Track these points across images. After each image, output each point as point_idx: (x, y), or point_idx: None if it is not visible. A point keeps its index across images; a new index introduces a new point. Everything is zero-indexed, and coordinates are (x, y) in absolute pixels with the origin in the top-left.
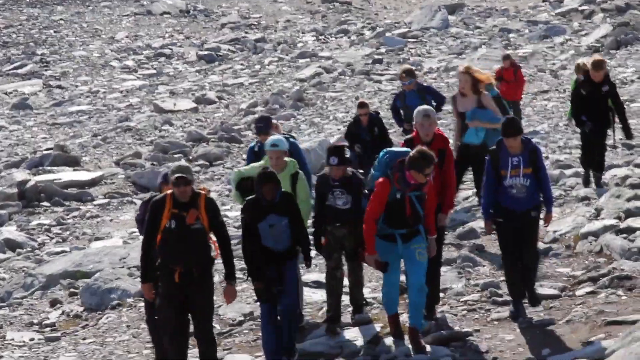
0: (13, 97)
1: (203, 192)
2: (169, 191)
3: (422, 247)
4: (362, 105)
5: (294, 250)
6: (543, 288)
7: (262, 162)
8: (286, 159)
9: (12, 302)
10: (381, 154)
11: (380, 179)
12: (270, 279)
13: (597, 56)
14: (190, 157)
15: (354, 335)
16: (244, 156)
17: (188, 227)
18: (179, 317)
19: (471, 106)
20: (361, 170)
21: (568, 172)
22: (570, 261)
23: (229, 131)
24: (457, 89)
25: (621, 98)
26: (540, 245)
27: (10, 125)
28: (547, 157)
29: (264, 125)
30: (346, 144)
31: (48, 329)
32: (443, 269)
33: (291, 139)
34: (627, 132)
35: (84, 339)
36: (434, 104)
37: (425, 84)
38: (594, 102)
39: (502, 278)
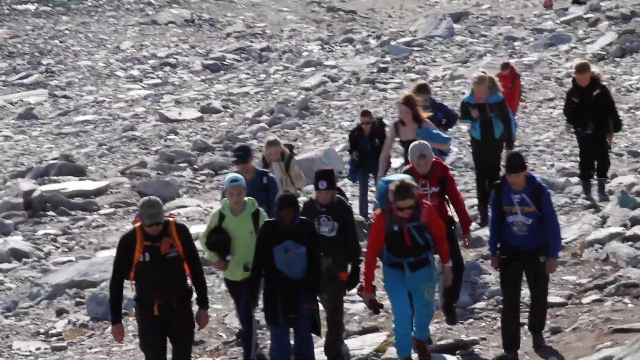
0: (18, 107)
1: (172, 218)
2: (137, 224)
3: (431, 286)
4: (364, 113)
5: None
6: (549, 296)
7: (219, 206)
8: (245, 198)
9: (18, 312)
10: (381, 183)
11: (377, 212)
12: (283, 304)
13: (581, 59)
14: (196, 166)
15: (360, 344)
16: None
17: (163, 257)
18: (161, 353)
19: (412, 135)
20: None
21: (574, 179)
22: (576, 269)
23: (234, 140)
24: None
25: (626, 105)
26: None
27: (15, 135)
28: (552, 165)
29: (243, 154)
30: (332, 168)
31: (54, 338)
32: None
33: (270, 175)
34: (617, 125)
35: (90, 348)
36: (444, 122)
37: (438, 101)
38: (587, 109)
39: None
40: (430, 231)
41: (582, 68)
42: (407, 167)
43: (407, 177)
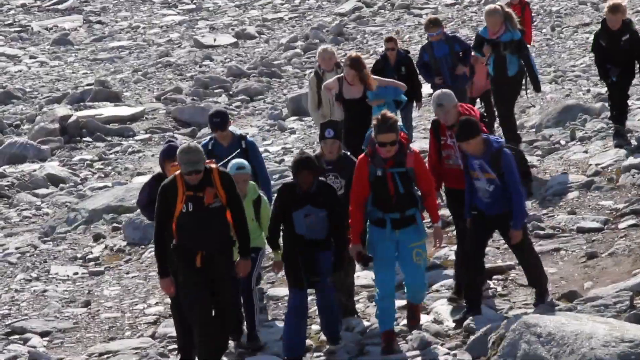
0: (53, 33)
1: (213, 165)
2: (178, 172)
3: (421, 247)
4: (389, 39)
5: (329, 241)
6: (585, 221)
7: None
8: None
9: (55, 237)
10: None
11: (360, 157)
12: (304, 266)
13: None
14: (231, 92)
15: None
16: (285, 91)
17: (207, 208)
18: (206, 306)
19: (357, 94)
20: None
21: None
22: (612, 194)
23: (269, 66)
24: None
25: None
26: (583, 179)
27: (51, 61)
28: (588, 90)
29: (220, 121)
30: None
31: (92, 263)
32: None
33: (249, 139)
34: None
35: (127, 273)
36: (461, 54)
37: (451, 33)
38: (614, 54)
39: (544, 212)
40: (418, 184)
41: (614, 8)
42: (435, 117)
43: (389, 112)
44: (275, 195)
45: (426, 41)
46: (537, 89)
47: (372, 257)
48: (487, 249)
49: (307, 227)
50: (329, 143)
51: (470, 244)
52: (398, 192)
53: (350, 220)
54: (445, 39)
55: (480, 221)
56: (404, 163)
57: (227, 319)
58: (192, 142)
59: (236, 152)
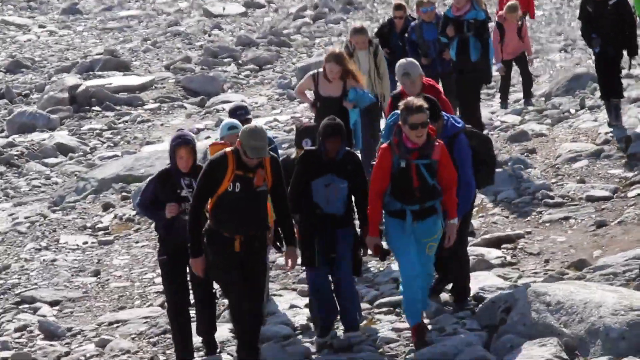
0: (63, 2)
1: None
2: (229, 149)
3: (435, 241)
4: (398, 7)
5: (349, 217)
6: (595, 190)
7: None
8: None
9: (65, 206)
10: (389, 117)
11: (383, 146)
12: (322, 244)
13: None
14: (240, 62)
15: None
16: (294, 60)
17: (254, 190)
18: (244, 290)
19: (335, 92)
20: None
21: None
22: (622, 162)
23: (278, 35)
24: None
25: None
26: (592, 147)
27: (60, 30)
28: None
29: (245, 112)
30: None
31: (101, 232)
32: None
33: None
34: (631, 50)
35: (136, 242)
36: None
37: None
38: (601, 20)
39: (554, 180)
40: (440, 177)
41: None
42: (397, 90)
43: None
44: (297, 162)
45: (416, 21)
46: (488, 80)
47: (390, 250)
48: (496, 217)
49: (325, 198)
50: None
51: None
52: (421, 185)
53: (368, 211)
54: (436, 21)
55: None
56: (429, 155)
57: (259, 304)
58: (258, 125)
59: None
